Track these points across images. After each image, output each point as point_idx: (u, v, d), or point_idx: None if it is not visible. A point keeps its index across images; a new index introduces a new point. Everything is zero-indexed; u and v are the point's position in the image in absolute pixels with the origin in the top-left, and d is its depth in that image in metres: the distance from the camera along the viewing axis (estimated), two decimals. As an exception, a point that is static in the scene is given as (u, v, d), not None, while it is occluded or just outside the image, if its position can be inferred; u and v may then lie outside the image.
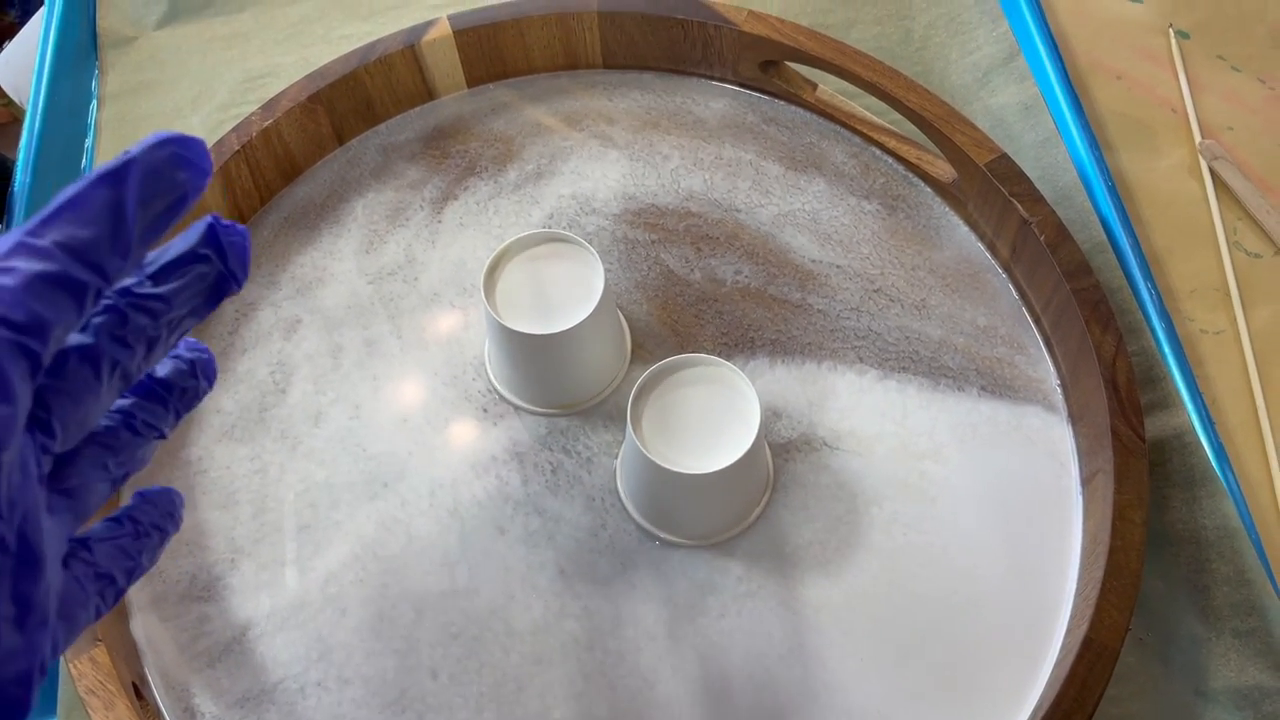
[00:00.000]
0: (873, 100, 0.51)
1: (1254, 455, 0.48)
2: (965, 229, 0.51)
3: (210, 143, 0.51)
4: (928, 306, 0.49)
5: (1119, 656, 0.38)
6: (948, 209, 0.51)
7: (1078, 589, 0.42)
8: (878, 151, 0.53)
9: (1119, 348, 0.43)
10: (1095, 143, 0.55)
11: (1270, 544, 0.46)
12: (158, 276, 0.27)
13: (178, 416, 0.31)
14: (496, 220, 0.52)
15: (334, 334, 0.49)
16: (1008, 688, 0.41)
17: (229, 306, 0.50)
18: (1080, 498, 0.44)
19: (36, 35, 0.62)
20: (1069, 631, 0.41)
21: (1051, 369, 0.47)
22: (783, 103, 0.55)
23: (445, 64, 0.54)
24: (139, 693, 0.40)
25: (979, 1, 0.59)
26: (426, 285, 0.50)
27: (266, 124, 0.50)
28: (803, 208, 0.52)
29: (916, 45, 0.59)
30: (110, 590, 0.28)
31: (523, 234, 0.44)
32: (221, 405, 0.47)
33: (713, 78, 0.55)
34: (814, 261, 0.50)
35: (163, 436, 0.30)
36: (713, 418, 0.41)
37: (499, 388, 0.47)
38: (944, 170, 0.51)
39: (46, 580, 0.24)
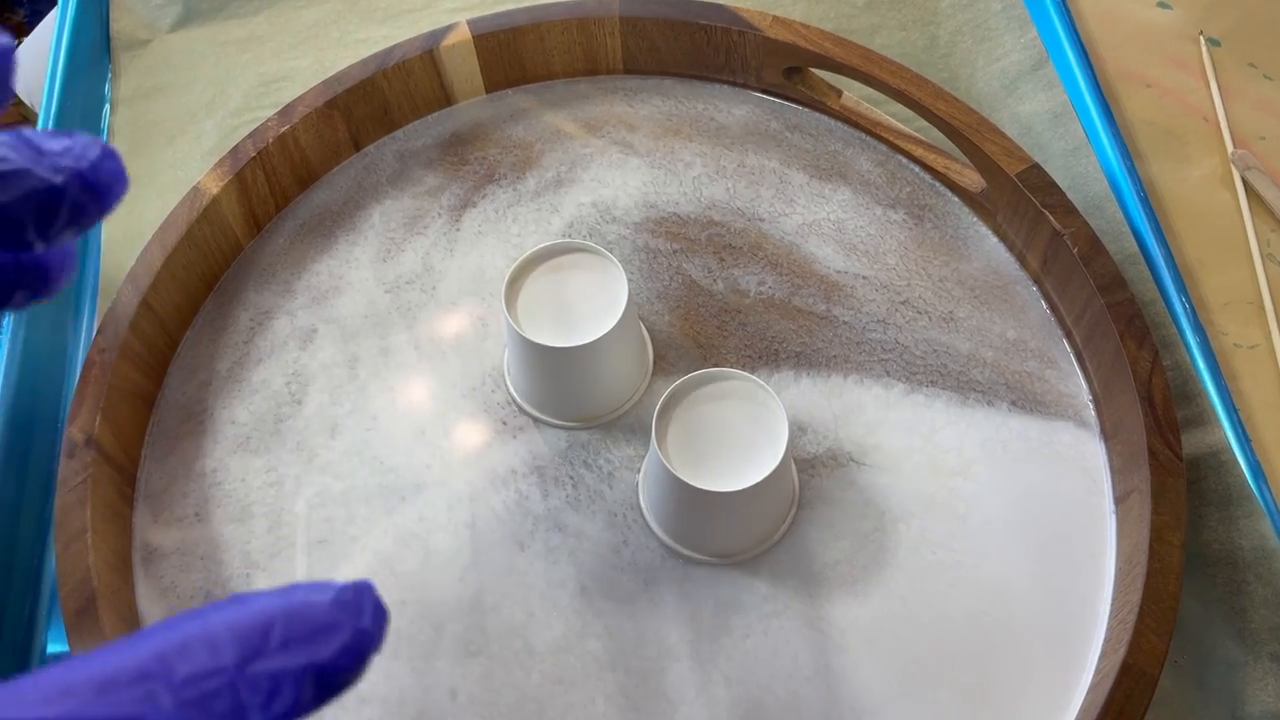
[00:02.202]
0: (899, 108, 0.50)
1: (1291, 474, 0.47)
2: (994, 240, 0.50)
3: (226, 148, 0.50)
4: (956, 319, 0.48)
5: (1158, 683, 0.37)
6: (976, 219, 0.50)
7: (1112, 611, 0.41)
8: (904, 160, 0.52)
9: (1155, 364, 0.42)
10: (1126, 152, 0.54)
11: (1308, 565, 0.44)
12: None
13: None
14: (515, 228, 0.51)
15: (351, 344, 0.48)
16: (1039, 712, 0.40)
17: (244, 315, 0.49)
18: (1114, 517, 0.43)
19: (49, 37, 0.61)
20: (1104, 655, 0.40)
21: (1083, 384, 0.46)
22: (807, 110, 0.54)
23: (464, 69, 0.53)
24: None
25: (1006, 7, 0.58)
26: (445, 294, 0.49)
27: (283, 130, 0.49)
28: (827, 217, 0.51)
29: (942, 51, 0.58)
30: None
31: (545, 244, 0.43)
32: (236, 416, 0.47)
33: (736, 84, 0.54)
34: (839, 272, 0.49)
35: None
36: (739, 434, 0.40)
37: (518, 400, 0.46)
38: (973, 180, 0.50)
39: None
